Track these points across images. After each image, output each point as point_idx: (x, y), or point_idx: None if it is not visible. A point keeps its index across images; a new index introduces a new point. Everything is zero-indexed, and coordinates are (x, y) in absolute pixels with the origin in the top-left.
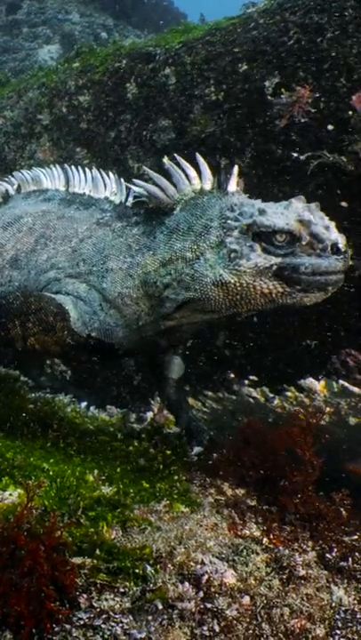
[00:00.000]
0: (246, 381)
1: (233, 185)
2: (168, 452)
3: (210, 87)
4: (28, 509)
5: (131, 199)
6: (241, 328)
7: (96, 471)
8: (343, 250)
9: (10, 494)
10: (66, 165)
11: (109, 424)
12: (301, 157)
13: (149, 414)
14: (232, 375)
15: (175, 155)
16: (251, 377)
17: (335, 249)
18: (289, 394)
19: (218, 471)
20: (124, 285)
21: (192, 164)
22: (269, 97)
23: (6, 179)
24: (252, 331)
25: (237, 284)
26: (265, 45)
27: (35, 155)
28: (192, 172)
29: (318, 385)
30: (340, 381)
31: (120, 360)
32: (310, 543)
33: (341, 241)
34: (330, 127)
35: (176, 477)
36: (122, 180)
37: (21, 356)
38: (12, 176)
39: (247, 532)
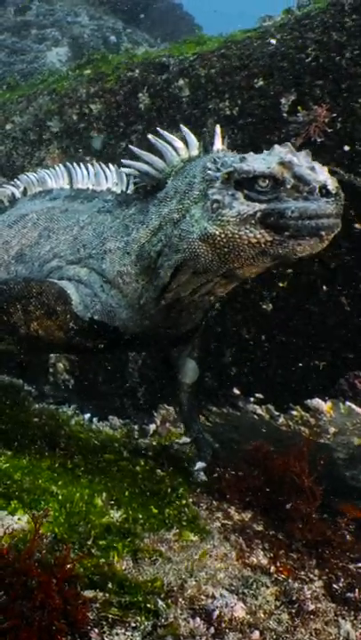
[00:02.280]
0: (252, 399)
1: (218, 144)
2: (175, 474)
3: (224, 101)
4: (37, 539)
5: (132, 187)
6: (249, 346)
7: (104, 494)
8: (334, 192)
9: (19, 519)
10: (68, 164)
11: (114, 439)
12: None
13: (152, 426)
14: (237, 392)
15: (158, 129)
16: (257, 394)
17: (324, 191)
18: (295, 413)
19: (225, 494)
20: (121, 263)
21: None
22: (285, 114)
23: (12, 182)
24: (260, 349)
25: (223, 236)
26: (282, 61)
27: (43, 161)
28: (178, 142)
29: (325, 405)
30: (348, 403)
31: (128, 350)
32: (317, 571)
33: (331, 182)
34: (346, 148)
35: (184, 502)
36: (122, 170)
37: (25, 362)
38: (18, 179)
39: (255, 559)
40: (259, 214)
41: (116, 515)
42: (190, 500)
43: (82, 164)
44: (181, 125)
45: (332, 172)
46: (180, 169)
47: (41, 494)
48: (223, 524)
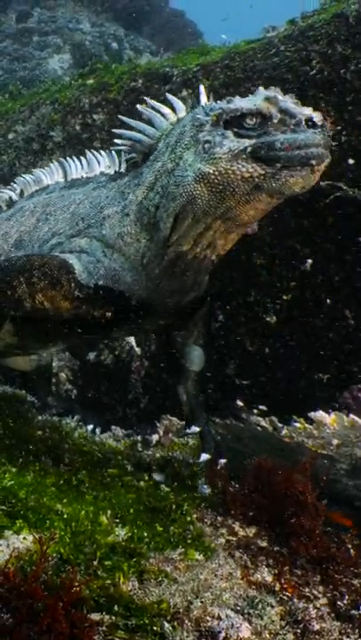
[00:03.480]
0: (255, 410)
1: (203, 100)
2: (179, 490)
3: None
4: (44, 561)
5: (124, 165)
6: (252, 358)
7: (109, 512)
8: (320, 123)
9: (24, 538)
10: (61, 159)
11: (117, 451)
12: (322, 184)
13: (155, 437)
14: (241, 404)
15: (145, 98)
16: (260, 406)
17: (310, 123)
18: (298, 425)
19: (229, 510)
20: (121, 225)
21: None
22: None
23: (9, 187)
24: (264, 362)
25: (216, 173)
26: (286, 74)
27: None
28: (165, 109)
29: (328, 418)
30: (351, 415)
31: (136, 324)
32: (321, 588)
33: (316, 115)
34: (351, 161)
35: (189, 518)
36: (113, 152)
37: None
38: (15, 182)
39: (259, 576)
40: (249, 149)
41: (121, 533)
42: (195, 515)
43: (74, 158)
44: (167, 94)
45: (336, 189)
46: (169, 131)
47: (46, 513)
48: (228, 540)
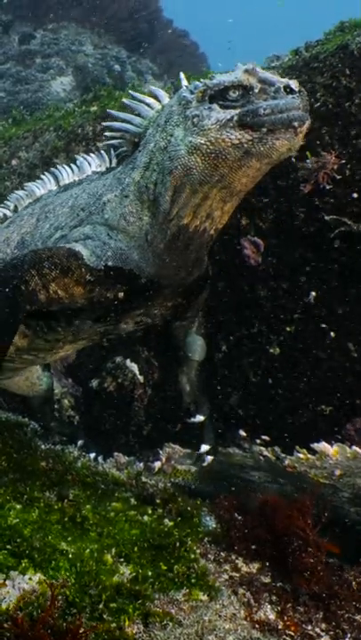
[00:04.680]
0: (258, 440)
1: (185, 85)
2: (183, 524)
3: None
4: (53, 607)
5: (115, 161)
6: (256, 390)
7: (114, 550)
8: (297, 89)
9: (30, 578)
10: (52, 169)
11: (120, 482)
12: (327, 217)
13: (157, 464)
14: (244, 434)
15: (130, 91)
16: (263, 437)
17: (289, 89)
18: (301, 455)
19: (233, 546)
20: (122, 206)
21: None
22: (294, 159)
23: (2, 205)
24: (267, 393)
25: (208, 143)
26: None
27: None
28: (149, 98)
29: (331, 449)
30: (354, 447)
31: (146, 303)
32: (324, 625)
33: (293, 82)
34: (355, 195)
35: (193, 556)
36: (103, 152)
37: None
38: (8, 199)
39: (262, 614)
40: (236, 117)
41: (126, 572)
42: (198, 551)
43: (64, 165)
44: (150, 86)
45: (340, 223)
46: (156, 117)
47: (51, 553)
48: (231, 576)
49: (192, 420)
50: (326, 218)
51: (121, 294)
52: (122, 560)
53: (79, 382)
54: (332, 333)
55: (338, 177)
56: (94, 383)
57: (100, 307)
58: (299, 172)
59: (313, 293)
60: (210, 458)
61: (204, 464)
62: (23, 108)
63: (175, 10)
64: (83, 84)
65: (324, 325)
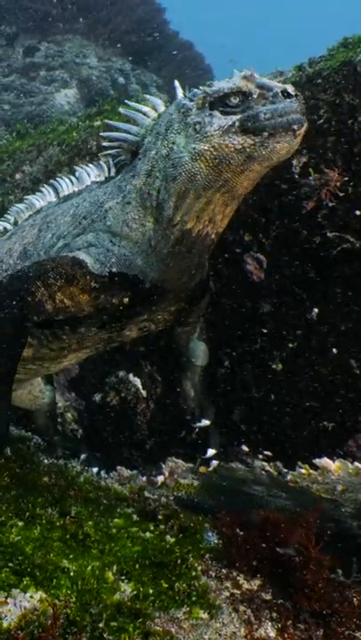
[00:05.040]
0: (260, 456)
1: (180, 94)
2: (184, 540)
3: None
4: (54, 626)
5: (113, 170)
6: (258, 406)
7: (115, 567)
8: (294, 93)
9: (31, 596)
10: (51, 180)
11: (122, 497)
12: (329, 235)
13: (160, 478)
14: (246, 449)
15: (126, 101)
16: (265, 452)
17: (286, 94)
18: (303, 470)
19: (234, 562)
20: (125, 212)
21: None
22: (297, 176)
23: (3, 219)
24: (269, 408)
25: (211, 149)
26: None
27: None
28: (145, 107)
29: (333, 465)
30: (355, 463)
31: (151, 308)
32: None
33: (290, 87)
34: (358, 212)
35: (194, 573)
36: (102, 162)
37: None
38: (8, 213)
39: (263, 632)
40: (237, 123)
41: (127, 589)
42: (200, 568)
43: (64, 176)
44: (145, 95)
45: (343, 240)
46: (153, 125)
47: (53, 571)
48: (232, 593)
49: (198, 424)
50: (329, 235)
51: (126, 300)
52: (123, 578)
53: (82, 396)
54: (334, 350)
55: (341, 194)
56: (97, 397)
57: (106, 313)
58: (302, 189)
59: (315, 310)
60: (216, 462)
61: (210, 468)
62: (27, 120)
63: (181, 21)
64: (87, 97)
65: (326, 342)
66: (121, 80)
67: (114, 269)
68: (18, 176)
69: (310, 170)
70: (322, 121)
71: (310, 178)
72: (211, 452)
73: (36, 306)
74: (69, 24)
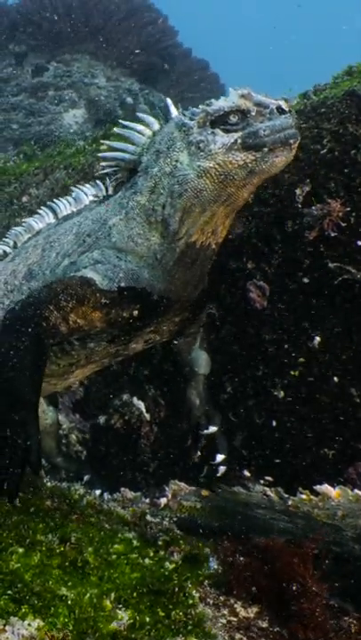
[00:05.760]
0: (262, 481)
1: (173, 110)
2: (183, 567)
3: None
4: None
5: (111, 189)
6: (260, 432)
7: (113, 595)
8: (288, 110)
9: (29, 624)
10: (49, 202)
11: (124, 521)
12: (331, 265)
13: (163, 500)
14: (248, 474)
15: (120, 121)
16: (266, 477)
17: (280, 110)
18: (304, 496)
19: (232, 590)
20: (129, 228)
21: None
22: (300, 205)
23: (2, 242)
24: (271, 435)
25: (216, 166)
26: (298, 151)
27: None
28: (139, 126)
29: (333, 491)
30: (355, 490)
31: (158, 319)
32: None
33: (283, 103)
34: (359, 243)
35: (191, 601)
36: (98, 182)
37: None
38: (7, 236)
39: None
40: (239, 140)
41: (124, 616)
42: (197, 595)
43: (61, 198)
44: (137, 113)
45: (344, 271)
46: (150, 143)
47: (51, 599)
48: (229, 620)
49: (205, 431)
50: (330, 265)
51: (136, 312)
52: (120, 606)
53: (87, 418)
54: (335, 378)
55: (343, 224)
56: (102, 419)
57: (117, 327)
58: (304, 219)
59: (317, 339)
60: (223, 468)
61: (218, 474)
62: (35, 140)
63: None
64: (95, 117)
65: (327, 370)
66: (129, 100)
67: (122, 284)
68: (25, 199)
69: (313, 199)
70: (325, 151)
71: (313, 208)
72: (220, 457)
73: (51, 330)
74: (79, 44)
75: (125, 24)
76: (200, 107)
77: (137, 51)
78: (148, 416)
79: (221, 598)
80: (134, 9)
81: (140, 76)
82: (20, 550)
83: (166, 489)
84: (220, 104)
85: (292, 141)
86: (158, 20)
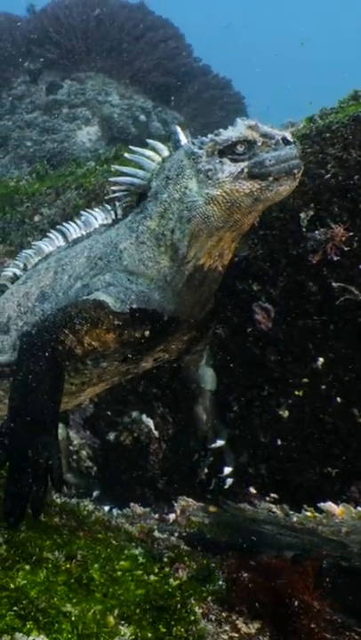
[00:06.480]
0: (267, 498)
1: (183, 139)
2: (187, 584)
3: None
4: None
5: (120, 210)
6: (265, 450)
7: (116, 611)
8: (292, 140)
9: None
10: (58, 226)
11: (132, 537)
12: (334, 285)
13: (172, 516)
14: (254, 491)
15: (130, 147)
16: (272, 494)
17: (285, 141)
18: (308, 513)
19: (234, 607)
20: (140, 251)
21: None
22: (304, 229)
23: (12, 264)
24: (276, 453)
25: (224, 194)
26: (303, 175)
27: None
28: (149, 152)
29: (337, 509)
30: (359, 508)
31: (168, 338)
32: None
33: (288, 134)
34: None
35: (193, 617)
36: (107, 206)
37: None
38: (17, 259)
39: None
40: (246, 170)
41: (127, 632)
42: (200, 611)
43: (70, 221)
44: (147, 139)
45: (347, 292)
46: (159, 169)
47: (55, 615)
48: (230, 636)
49: (213, 445)
50: (334, 285)
51: (147, 332)
52: (123, 622)
53: (97, 435)
54: (338, 399)
55: (346, 249)
56: (112, 436)
57: (129, 347)
58: (308, 243)
59: (321, 360)
60: (231, 480)
61: (226, 486)
62: (49, 158)
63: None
64: (108, 135)
65: (331, 391)
66: (142, 118)
67: (134, 306)
68: (36, 218)
69: (317, 223)
70: (329, 175)
71: (316, 232)
72: (227, 470)
73: (66, 353)
74: (93, 62)
75: (141, 42)
76: (209, 136)
77: (150, 69)
78: (156, 433)
79: (224, 614)
80: (150, 26)
81: (154, 93)
82: (27, 567)
83: (175, 505)
84: (229, 134)
85: (296, 171)
86: (174, 37)
